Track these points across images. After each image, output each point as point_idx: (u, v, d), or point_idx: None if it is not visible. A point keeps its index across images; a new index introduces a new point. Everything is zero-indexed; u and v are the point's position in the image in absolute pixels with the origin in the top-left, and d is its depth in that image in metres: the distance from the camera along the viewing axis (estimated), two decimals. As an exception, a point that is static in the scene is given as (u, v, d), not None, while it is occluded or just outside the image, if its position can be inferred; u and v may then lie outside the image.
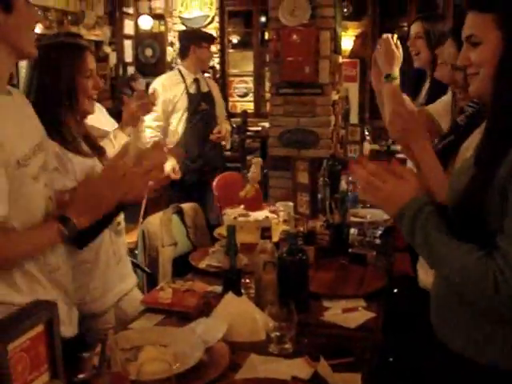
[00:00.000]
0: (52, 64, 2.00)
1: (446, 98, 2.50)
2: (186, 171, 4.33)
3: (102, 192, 1.63)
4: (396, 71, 2.48)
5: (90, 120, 2.27)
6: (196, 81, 4.49)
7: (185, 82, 4.43)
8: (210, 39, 4.65)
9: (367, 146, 5.18)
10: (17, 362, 0.84)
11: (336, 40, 5.12)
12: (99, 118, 3.07)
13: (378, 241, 2.69)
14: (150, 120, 4.12)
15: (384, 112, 2.23)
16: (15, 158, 1.50)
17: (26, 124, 1.64)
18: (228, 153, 6.05)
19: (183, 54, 4.54)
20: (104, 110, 3.60)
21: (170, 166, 4.18)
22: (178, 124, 4.39)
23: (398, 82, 2.45)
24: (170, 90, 4.35)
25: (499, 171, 1.29)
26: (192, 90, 4.43)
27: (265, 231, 2.00)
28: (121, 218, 2.22)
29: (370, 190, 1.48)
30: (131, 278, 2.36)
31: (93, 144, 2.16)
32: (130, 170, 1.63)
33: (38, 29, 6.31)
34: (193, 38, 4.51)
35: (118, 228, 2.21)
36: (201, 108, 4.46)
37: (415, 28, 3.12)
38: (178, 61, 8.11)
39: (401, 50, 2.44)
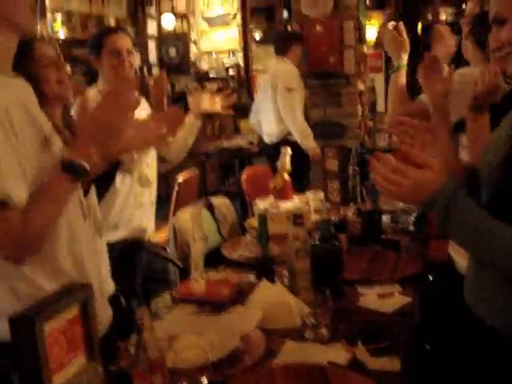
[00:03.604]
0: None
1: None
2: None
3: (107, 119, 1.46)
4: (404, 59, 2.51)
5: None
6: None
7: None
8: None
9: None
10: (53, 343, 0.83)
11: (360, 30, 5.09)
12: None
13: (411, 227, 2.65)
14: None
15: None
16: (42, 135, 1.47)
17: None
18: (255, 148, 6.05)
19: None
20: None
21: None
22: None
23: (405, 69, 2.47)
24: None
25: None
26: None
27: (297, 218, 1.98)
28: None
29: (392, 188, 1.35)
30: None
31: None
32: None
33: (62, 33, 6.37)
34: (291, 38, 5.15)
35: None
36: None
37: None
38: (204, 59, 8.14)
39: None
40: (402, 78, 2.52)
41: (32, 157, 1.45)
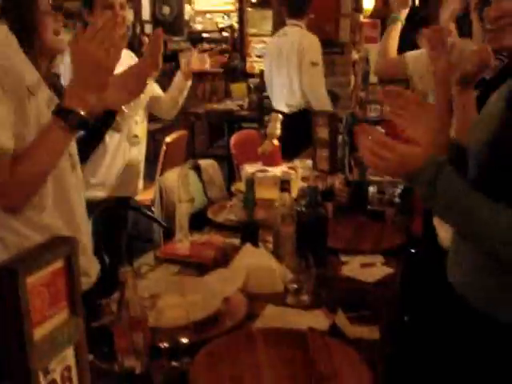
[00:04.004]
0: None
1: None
2: None
3: (92, 55, 1.40)
4: (403, 14, 2.71)
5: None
6: None
7: None
8: None
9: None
10: (35, 296, 0.83)
11: (358, -2, 5.04)
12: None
13: (397, 199, 2.66)
14: None
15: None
16: (25, 85, 1.46)
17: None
18: (245, 112, 6.00)
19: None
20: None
21: None
22: None
23: (401, 24, 2.69)
24: None
25: None
26: None
27: (284, 184, 1.98)
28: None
29: (377, 161, 1.35)
30: None
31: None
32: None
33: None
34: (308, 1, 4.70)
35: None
36: None
37: None
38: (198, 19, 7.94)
39: None
40: (396, 31, 2.69)
41: (16, 106, 1.43)
